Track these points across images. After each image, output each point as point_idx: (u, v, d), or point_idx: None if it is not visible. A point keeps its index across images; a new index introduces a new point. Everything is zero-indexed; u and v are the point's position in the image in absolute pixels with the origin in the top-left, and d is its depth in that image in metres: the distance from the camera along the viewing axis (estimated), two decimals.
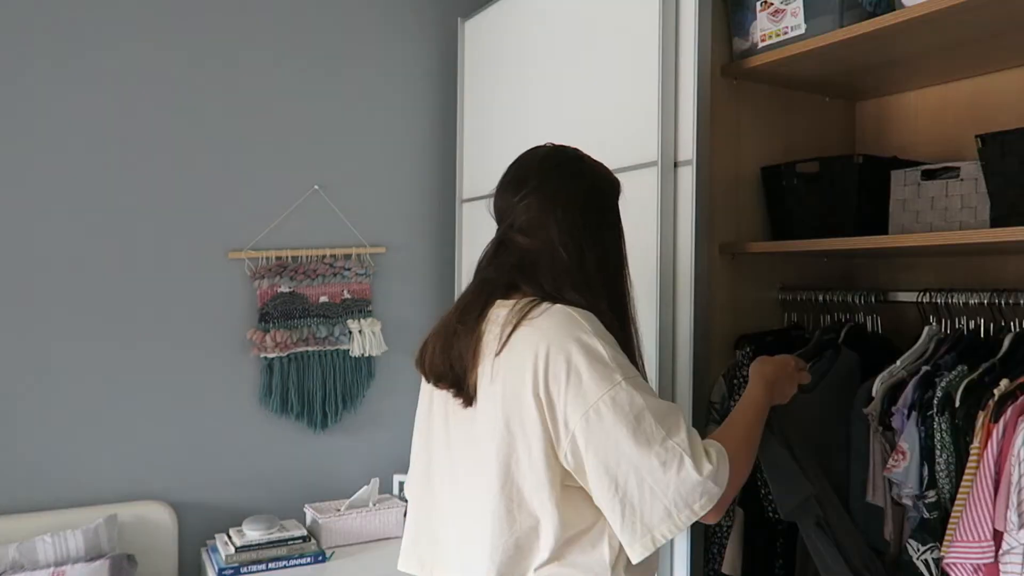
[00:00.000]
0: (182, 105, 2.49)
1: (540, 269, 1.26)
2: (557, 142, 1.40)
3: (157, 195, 2.46)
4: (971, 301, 1.56)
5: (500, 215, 1.35)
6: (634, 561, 1.16)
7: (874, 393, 1.53)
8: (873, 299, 1.77)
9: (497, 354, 1.20)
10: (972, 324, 1.61)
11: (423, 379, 1.37)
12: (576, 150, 1.38)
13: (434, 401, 1.35)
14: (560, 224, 1.27)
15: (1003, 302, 1.52)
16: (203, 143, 2.52)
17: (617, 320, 1.28)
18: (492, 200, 1.38)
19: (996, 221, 1.46)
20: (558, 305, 1.21)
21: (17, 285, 2.30)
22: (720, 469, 1.15)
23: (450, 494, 1.31)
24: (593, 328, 1.19)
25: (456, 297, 2.69)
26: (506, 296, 1.27)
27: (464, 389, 1.24)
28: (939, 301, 1.62)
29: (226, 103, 2.55)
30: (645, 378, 1.26)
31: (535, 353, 1.17)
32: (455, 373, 1.26)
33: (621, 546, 1.18)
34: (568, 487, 1.19)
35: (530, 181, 1.31)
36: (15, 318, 2.30)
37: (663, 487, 1.12)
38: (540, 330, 1.18)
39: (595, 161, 1.38)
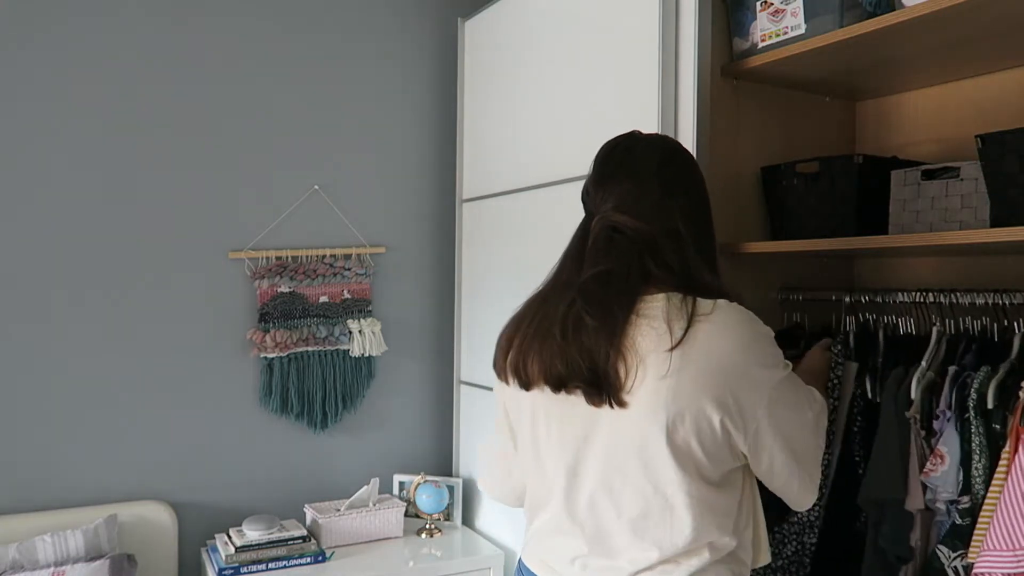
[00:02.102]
0: (182, 105, 2.49)
1: (667, 255, 1.25)
2: (635, 130, 1.41)
3: (157, 195, 2.46)
4: (977, 301, 1.55)
5: (598, 203, 1.30)
6: (804, 509, 1.31)
7: (913, 395, 1.49)
8: (874, 299, 1.76)
9: (673, 348, 1.17)
10: (975, 325, 1.61)
11: (511, 386, 1.31)
12: (675, 140, 1.41)
13: (551, 405, 1.28)
14: (680, 210, 1.27)
15: (1007, 302, 1.52)
16: (203, 143, 2.52)
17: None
18: (586, 186, 1.34)
19: (996, 221, 1.46)
20: (722, 301, 1.23)
21: (17, 285, 2.30)
22: (824, 405, 1.34)
23: (605, 491, 1.26)
24: (757, 318, 1.26)
25: (457, 296, 2.72)
26: (644, 287, 1.23)
27: (606, 388, 1.19)
28: (941, 301, 1.62)
29: (226, 103, 2.55)
30: None
31: (723, 349, 1.18)
32: (595, 372, 1.19)
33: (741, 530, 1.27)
34: (723, 483, 1.25)
35: (644, 168, 1.29)
36: (15, 318, 2.30)
37: (812, 437, 1.28)
38: (722, 326, 1.20)
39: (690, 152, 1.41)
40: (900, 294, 1.70)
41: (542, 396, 1.28)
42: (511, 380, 1.30)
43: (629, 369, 1.18)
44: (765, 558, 1.33)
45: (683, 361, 1.17)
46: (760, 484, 1.32)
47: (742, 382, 1.19)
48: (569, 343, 1.21)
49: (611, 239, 1.25)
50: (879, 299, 1.74)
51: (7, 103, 2.28)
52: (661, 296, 1.21)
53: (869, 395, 1.65)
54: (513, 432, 1.40)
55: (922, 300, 1.65)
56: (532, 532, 1.38)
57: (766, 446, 1.23)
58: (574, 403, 1.24)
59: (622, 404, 1.19)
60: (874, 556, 1.53)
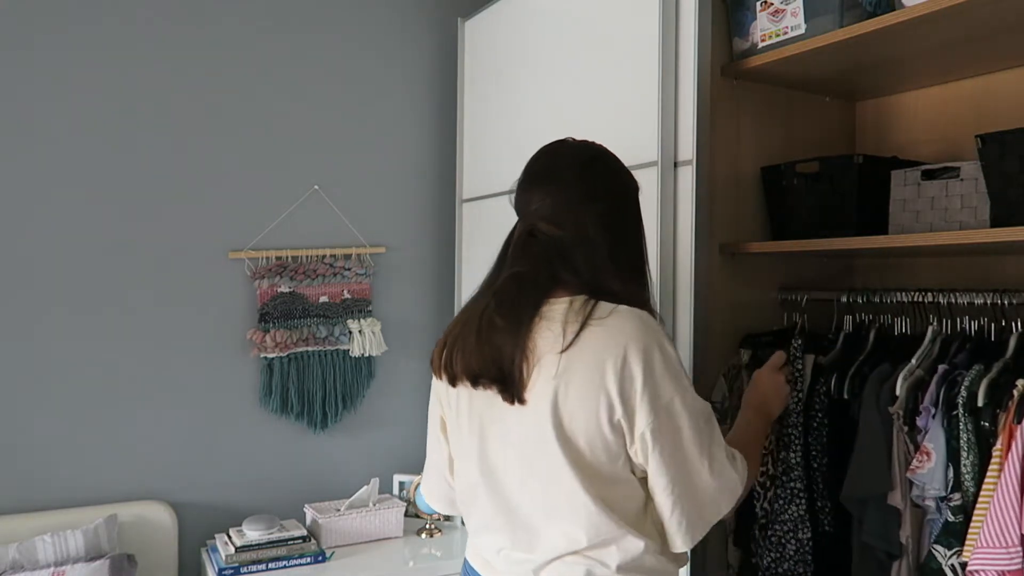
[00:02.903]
0: (182, 105, 2.49)
1: (576, 260, 1.27)
2: (581, 137, 1.41)
3: (157, 195, 2.46)
4: (976, 301, 1.55)
5: (524, 207, 1.34)
6: (676, 551, 1.27)
7: (897, 392, 1.51)
8: (874, 299, 1.77)
9: (563, 351, 1.20)
10: (974, 325, 1.61)
11: (443, 382, 1.35)
12: (603, 146, 1.39)
13: (473, 401, 1.32)
14: (596, 216, 1.29)
15: (1006, 302, 1.52)
16: (203, 143, 2.52)
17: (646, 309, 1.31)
18: (515, 192, 1.37)
19: (996, 221, 1.46)
20: (623, 307, 1.23)
21: (17, 285, 2.30)
22: (743, 471, 1.30)
23: (514, 486, 1.30)
24: (662, 330, 1.25)
25: (457, 296, 2.72)
26: (552, 290, 1.27)
27: (511, 386, 1.23)
28: (940, 301, 1.62)
29: (226, 103, 2.55)
30: None
31: (610, 355, 1.19)
32: (501, 370, 1.24)
33: (656, 535, 1.26)
34: (618, 480, 1.24)
35: (563, 174, 1.32)
36: (15, 318, 2.30)
37: (708, 487, 1.24)
38: (612, 331, 1.20)
39: (619, 158, 1.40)
40: (899, 294, 1.70)
41: (466, 392, 1.32)
42: (443, 376, 1.35)
43: (530, 369, 1.23)
44: (683, 559, 1.32)
45: (569, 363, 1.20)
46: None
47: (626, 386, 1.19)
48: (483, 342, 1.26)
49: (526, 243, 1.30)
50: (877, 299, 1.74)
51: (8, 104, 2.28)
52: (565, 299, 1.25)
53: (843, 394, 1.65)
54: (446, 428, 1.44)
55: (921, 300, 1.65)
56: (469, 529, 1.42)
57: (650, 464, 1.22)
58: (492, 400, 1.27)
59: (523, 402, 1.23)
60: (861, 553, 1.54)
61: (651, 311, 1.32)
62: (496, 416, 1.28)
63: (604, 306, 1.23)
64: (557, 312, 1.24)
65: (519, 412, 1.24)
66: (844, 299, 1.80)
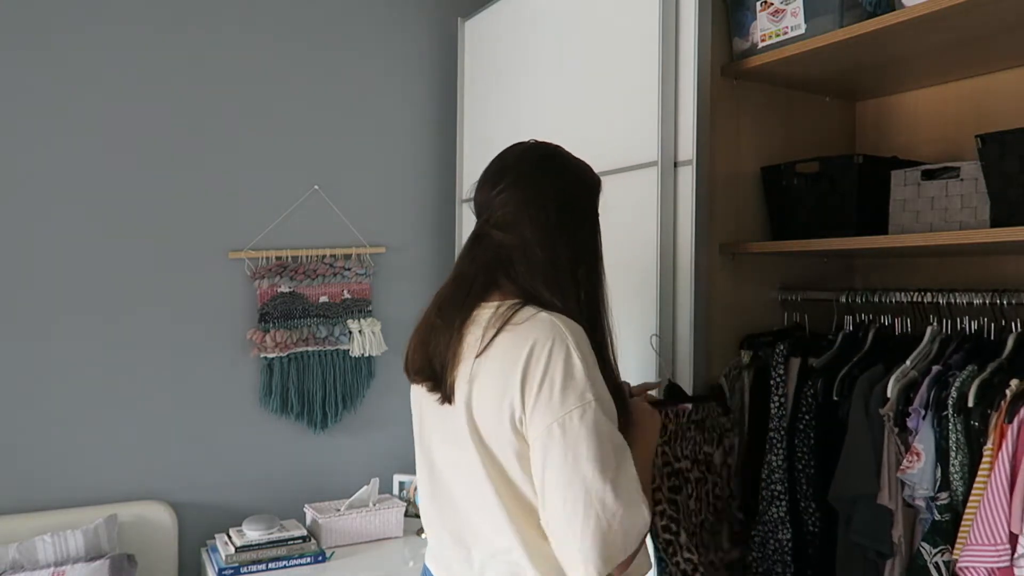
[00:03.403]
0: (182, 105, 2.49)
1: (515, 265, 1.27)
2: (540, 139, 1.39)
3: (157, 195, 2.46)
4: (975, 301, 1.55)
5: (479, 209, 1.35)
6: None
7: (889, 393, 1.51)
8: (874, 299, 1.77)
9: (478, 356, 1.21)
10: (973, 324, 1.61)
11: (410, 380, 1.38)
12: (557, 147, 1.37)
13: (424, 399, 1.35)
14: (535, 221, 1.27)
15: (1005, 302, 1.52)
16: (203, 143, 2.52)
17: (587, 322, 1.27)
18: (473, 194, 1.37)
19: (996, 221, 1.46)
20: (543, 313, 1.21)
21: (17, 285, 2.30)
22: (644, 516, 1.17)
23: (452, 485, 1.32)
24: (576, 340, 1.18)
25: None
26: (487, 295, 1.28)
27: (442, 386, 1.25)
28: (940, 301, 1.62)
29: (226, 103, 2.55)
30: (618, 380, 1.32)
31: (515, 359, 1.17)
32: (433, 369, 1.27)
33: None
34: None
35: (507, 176, 1.31)
36: (15, 318, 2.30)
37: (611, 516, 1.13)
38: (522, 337, 1.19)
39: (575, 159, 1.37)
40: (899, 294, 1.70)
41: (419, 390, 1.34)
42: (407, 374, 1.38)
43: (454, 372, 1.24)
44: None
45: (481, 367, 1.21)
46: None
47: (526, 392, 1.16)
48: (423, 341, 1.30)
49: (473, 246, 1.32)
50: (877, 299, 1.74)
51: (9, 106, 2.28)
52: (494, 304, 1.26)
53: (833, 396, 1.66)
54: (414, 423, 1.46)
55: (920, 300, 1.65)
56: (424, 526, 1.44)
57: (539, 474, 1.16)
58: (433, 399, 1.29)
59: (451, 402, 1.25)
60: (847, 553, 1.54)
61: (594, 323, 1.28)
62: (436, 414, 1.30)
63: (525, 311, 1.22)
64: (484, 317, 1.24)
65: (449, 412, 1.26)
66: (844, 299, 1.80)
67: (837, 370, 1.68)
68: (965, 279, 1.83)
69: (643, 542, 1.21)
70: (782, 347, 1.74)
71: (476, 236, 1.33)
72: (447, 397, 1.25)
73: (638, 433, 1.33)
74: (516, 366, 1.17)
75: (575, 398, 1.15)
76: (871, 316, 1.79)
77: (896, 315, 1.75)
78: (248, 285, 2.60)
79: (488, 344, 1.20)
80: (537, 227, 1.27)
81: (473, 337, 1.23)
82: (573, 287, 1.28)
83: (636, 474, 1.19)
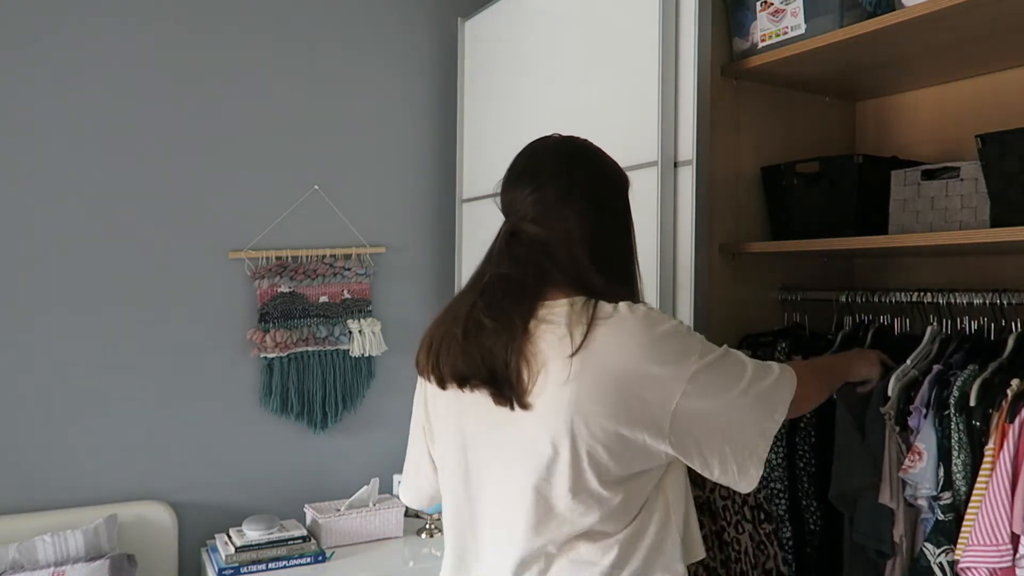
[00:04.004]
0: (182, 105, 2.49)
1: (558, 260, 1.26)
2: (564, 133, 1.39)
3: (157, 195, 2.46)
4: (975, 301, 1.55)
5: (509, 207, 1.33)
6: (750, 488, 1.22)
7: (890, 392, 1.51)
8: (874, 299, 1.77)
9: (573, 354, 1.18)
10: (973, 324, 1.61)
11: (430, 383, 1.33)
12: (586, 140, 1.37)
13: (461, 403, 1.30)
14: (576, 213, 1.26)
15: (1005, 302, 1.52)
16: (203, 143, 2.52)
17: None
18: (499, 192, 1.35)
19: (996, 221, 1.46)
20: (623, 305, 1.21)
21: (17, 285, 2.30)
22: (786, 375, 1.25)
23: (493, 493, 1.29)
24: (660, 318, 1.22)
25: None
26: (545, 292, 1.25)
27: (507, 390, 1.21)
28: (940, 301, 1.62)
29: (226, 103, 2.55)
30: None
31: (623, 352, 1.17)
32: (492, 373, 1.21)
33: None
34: (620, 481, 1.21)
35: (543, 171, 1.30)
36: (15, 318, 2.30)
37: (752, 414, 1.20)
38: (621, 331, 1.18)
39: (602, 151, 1.38)
40: (899, 294, 1.70)
41: (454, 395, 1.30)
42: (430, 378, 1.33)
43: (533, 374, 1.19)
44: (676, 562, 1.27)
45: (582, 366, 1.17)
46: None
47: (644, 384, 1.16)
48: (470, 343, 1.24)
49: (510, 244, 1.28)
50: (877, 299, 1.74)
51: (8, 104, 2.28)
52: (564, 301, 1.23)
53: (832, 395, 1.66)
54: (432, 430, 1.41)
55: (920, 300, 1.65)
56: (444, 530, 1.41)
57: (690, 443, 1.19)
58: (481, 403, 1.24)
59: (525, 407, 1.20)
60: (853, 552, 1.54)
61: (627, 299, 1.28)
62: (490, 421, 1.25)
63: (605, 307, 1.21)
64: (559, 315, 1.21)
65: (519, 417, 1.21)
66: (844, 299, 1.80)
67: None
68: (965, 279, 1.83)
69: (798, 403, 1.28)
70: (783, 345, 1.74)
71: (510, 234, 1.29)
72: (519, 402, 1.20)
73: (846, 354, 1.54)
74: (628, 361, 1.16)
75: (693, 359, 1.18)
76: (871, 316, 1.79)
77: (896, 315, 1.75)
78: (248, 285, 2.60)
79: (583, 342, 1.17)
80: (579, 220, 1.26)
81: (555, 336, 1.19)
82: (616, 273, 1.29)
83: (745, 358, 1.25)
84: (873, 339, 1.74)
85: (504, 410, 1.22)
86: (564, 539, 1.21)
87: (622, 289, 1.28)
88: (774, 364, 1.27)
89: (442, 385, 1.30)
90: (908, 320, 1.73)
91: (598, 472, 1.19)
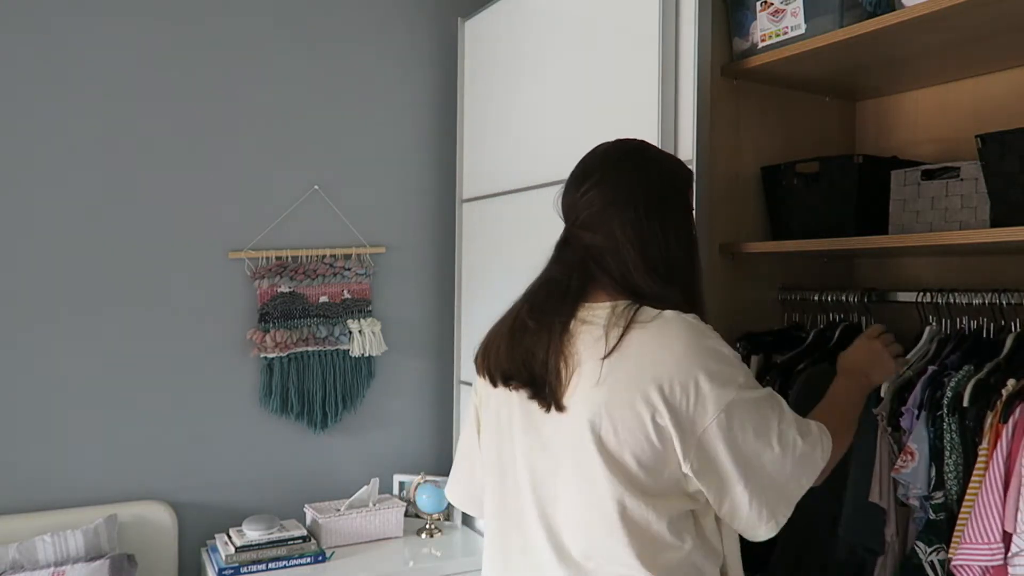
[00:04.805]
0: (182, 105, 2.49)
1: (607, 263, 1.26)
2: (624, 137, 1.38)
3: (157, 195, 2.46)
4: (974, 301, 1.55)
5: (566, 213, 1.34)
6: (761, 538, 1.21)
7: (883, 393, 1.51)
8: (873, 299, 1.77)
9: (605, 356, 1.17)
10: (973, 324, 1.61)
11: (484, 381, 1.34)
12: (640, 141, 1.36)
13: (511, 403, 1.30)
14: (623, 218, 1.26)
15: (1004, 302, 1.52)
16: (203, 143, 2.52)
17: (691, 310, 1.26)
18: (559, 197, 1.36)
19: (996, 221, 1.46)
20: (669, 312, 1.20)
21: (17, 285, 2.30)
22: (824, 440, 1.23)
23: (539, 492, 1.27)
24: (708, 331, 1.21)
25: (457, 296, 2.72)
26: (587, 294, 1.25)
27: (544, 391, 1.21)
28: (939, 301, 1.62)
29: (226, 103, 2.55)
30: None
31: (657, 359, 1.15)
32: (531, 373, 1.23)
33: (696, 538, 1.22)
34: (656, 494, 1.19)
35: (592, 176, 1.30)
36: (15, 318, 2.30)
37: (781, 469, 1.19)
38: (658, 335, 1.17)
39: (660, 151, 1.37)
40: (899, 294, 1.70)
41: (504, 394, 1.31)
42: (484, 376, 1.34)
43: (569, 375, 1.20)
44: None
45: (612, 368, 1.17)
46: None
47: (676, 392, 1.14)
48: (514, 344, 1.27)
49: (562, 249, 1.31)
50: (877, 299, 1.74)
51: (6, 103, 2.28)
52: (608, 304, 1.23)
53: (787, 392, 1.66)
54: (482, 426, 1.41)
55: (920, 300, 1.65)
56: (485, 531, 1.40)
57: (714, 471, 1.17)
58: (528, 404, 1.25)
59: (561, 408, 1.21)
60: (844, 551, 1.54)
61: (696, 312, 1.27)
62: (531, 421, 1.26)
63: (648, 311, 1.20)
64: (599, 316, 1.21)
65: (556, 418, 1.22)
66: (844, 299, 1.80)
67: (795, 366, 1.71)
68: (965, 279, 1.83)
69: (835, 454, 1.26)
70: (739, 344, 1.77)
71: (564, 240, 1.31)
72: (555, 403, 1.21)
73: (851, 364, 1.47)
74: (660, 368, 1.15)
75: (733, 383, 1.17)
76: (871, 316, 1.79)
77: (896, 315, 1.75)
78: (248, 285, 2.60)
79: (616, 345, 1.17)
80: (625, 224, 1.26)
81: (591, 338, 1.20)
82: (671, 280, 1.27)
83: (790, 413, 1.23)
84: (840, 337, 1.74)
85: (545, 410, 1.23)
86: (606, 545, 1.19)
87: (675, 294, 1.26)
88: (812, 423, 1.25)
89: (494, 384, 1.32)
90: (908, 321, 1.73)
91: (628, 478, 1.17)
